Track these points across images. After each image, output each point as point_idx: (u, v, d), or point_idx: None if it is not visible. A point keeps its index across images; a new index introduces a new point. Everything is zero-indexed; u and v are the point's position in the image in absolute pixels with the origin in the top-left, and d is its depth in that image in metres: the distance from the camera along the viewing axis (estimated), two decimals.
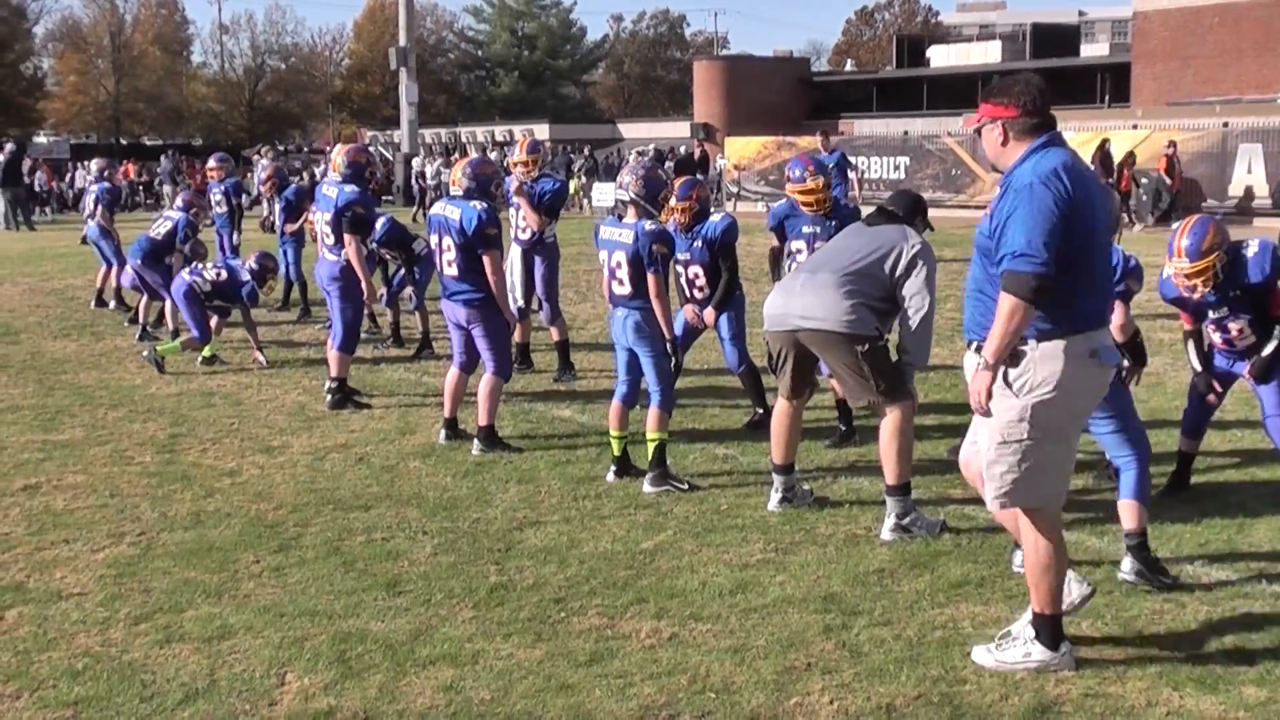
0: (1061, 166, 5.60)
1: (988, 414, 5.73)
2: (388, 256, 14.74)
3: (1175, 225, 8.06)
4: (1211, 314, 8.06)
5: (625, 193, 8.90)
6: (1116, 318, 6.93)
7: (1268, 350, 7.94)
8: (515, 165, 12.54)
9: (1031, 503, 5.79)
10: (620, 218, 8.95)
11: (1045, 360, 5.61)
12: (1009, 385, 5.67)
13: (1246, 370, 8.10)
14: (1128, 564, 6.76)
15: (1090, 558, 7.25)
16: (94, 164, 20.62)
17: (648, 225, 8.70)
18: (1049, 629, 5.83)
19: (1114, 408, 6.94)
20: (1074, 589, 6.13)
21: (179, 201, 16.55)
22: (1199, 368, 8.36)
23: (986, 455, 5.86)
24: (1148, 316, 16.13)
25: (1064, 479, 5.87)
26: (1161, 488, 8.33)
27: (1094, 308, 5.73)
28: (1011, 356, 5.64)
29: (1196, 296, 7.86)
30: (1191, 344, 8.42)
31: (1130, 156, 32.38)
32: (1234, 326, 8.02)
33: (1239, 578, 6.92)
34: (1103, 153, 31.69)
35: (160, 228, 15.70)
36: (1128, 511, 6.86)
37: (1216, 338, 8.19)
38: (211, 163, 19.69)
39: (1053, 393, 5.61)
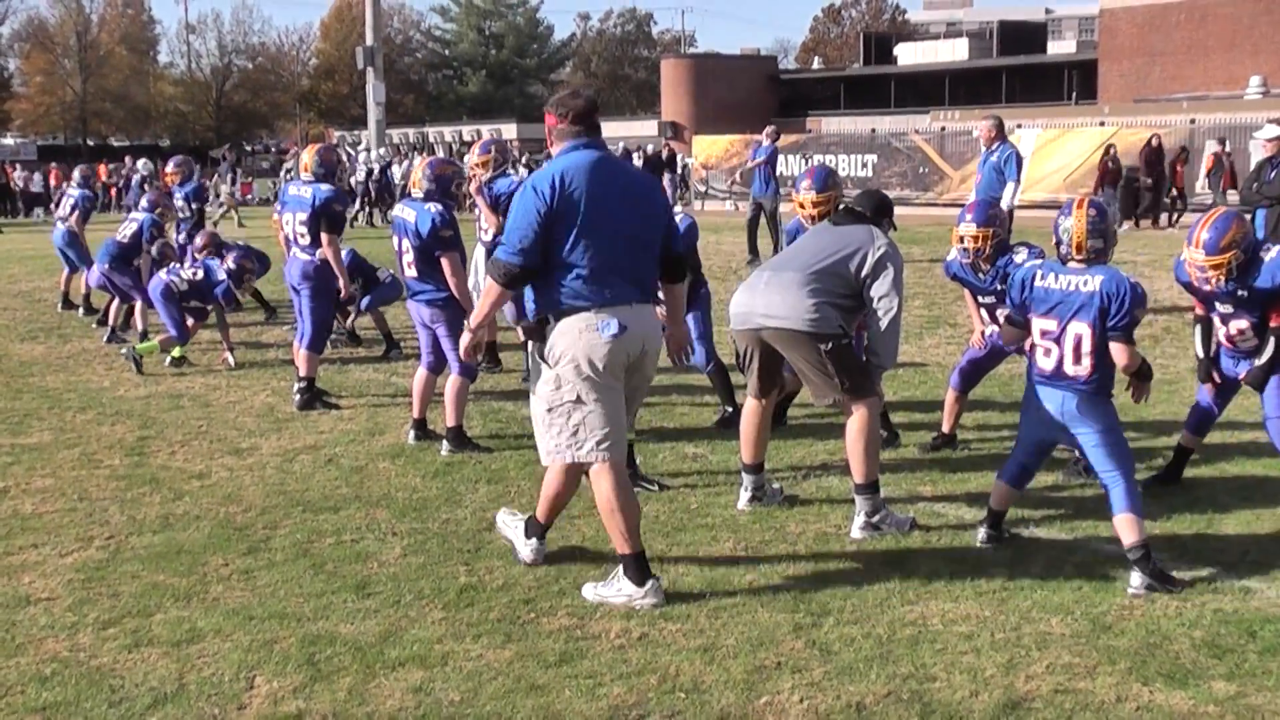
0: (565, 170, 6.56)
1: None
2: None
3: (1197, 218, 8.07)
4: (1218, 306, 8.07)
5: None
6: (1120, 357, 6.92)
7: (1262, 359, 7.97)
8: (474, 167, 12.45)
9: (584, 458, 6.73)
10: None
11: (560, 335, 6.62)
12: (544, 359, 6.69)
13: (1243, 376, 8.11)
14: (1136, 578, 6.71)
15: (1058, 553, 7.27)
16: (76, 170, 20.46)
17: None
18: (633, 566, 6.70)
19: (1098, 423, 6.95)
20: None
21: (144, 202, 16.41)
22: (1201, 354, 8.37)
23: (538, 422, 6.85)
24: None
25: (608, 436, 6.68)
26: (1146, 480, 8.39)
27: (597, 290, 6.56)
28: (539, 333, 6.70)
29: (1208, 288, 7.87)
30: (1199, 329, 8.43)
31: (1184, 152, 32.17)
32: (1235, 325, 8.02)
33: (1208, 573, 6.95)
34: (1150, 148, 31.51)
35: (126, 230, 15.64)
36: (1125, 526, 6.80)
37: (1222, 334, 8.20)
38: (169, 167, 19.33)
39: (572, 361, 6.59)
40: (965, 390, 9.69)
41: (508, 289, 6.76)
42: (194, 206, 18.24)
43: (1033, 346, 7.13)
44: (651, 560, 7.15)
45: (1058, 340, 6.95)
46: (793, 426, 10.25)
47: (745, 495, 8.34)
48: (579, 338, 6.58)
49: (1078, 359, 6.90)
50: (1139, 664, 5.83)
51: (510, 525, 7.46)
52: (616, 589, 6.75)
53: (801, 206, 9.60)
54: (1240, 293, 7.82)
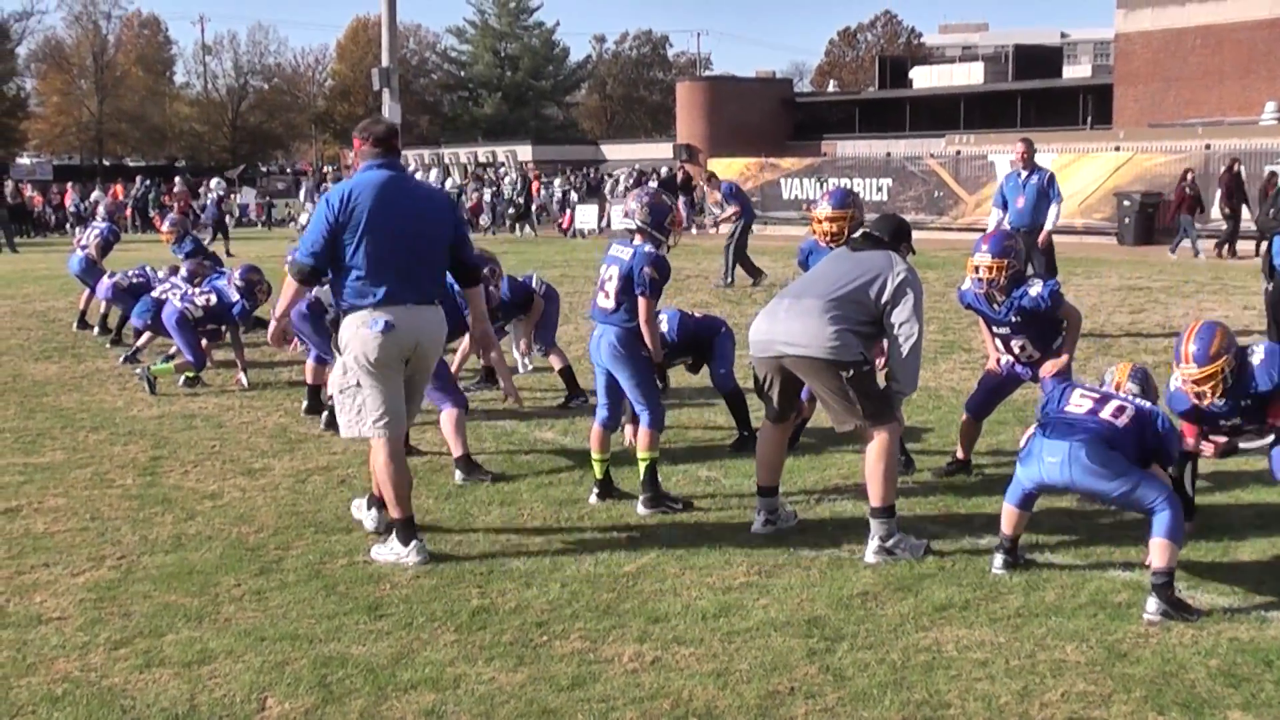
0: (354, 187, 7.72)
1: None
2: None
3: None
4: (1223, 423, 7.93)
5: (632, 220, 8.93)
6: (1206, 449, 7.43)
7: (1263, 442, 7.94)
8: None
9: (368, 433, 7.81)
10: (631, 242, 8.97)
11: (345, 329, 7.75)
12: (337, 348, 7.87)
13: (1243, 445, 8.09)
14: (1152, 604, 6.66)
15: (1073, 579, 7.24)
16: (101, 205, 20.87)
17: (647, 248, 8.73)
18: (402, 529, 7.83)
19: (1113, 471, 6.91)
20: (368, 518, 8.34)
21: (183, 270, 16.43)
22: (1190, 492, 8.31)
23: (335, 401, 8.02)
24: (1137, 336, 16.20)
25: (384, 415, 7.75)
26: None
27: (373, 291, 7.63)
28: (335, 325, 7.99)
29: (1205, 404, 7.70)
30: (1188, 469, 8.28)
31: (1274, 177, 30.84)
32: (1244, 442, 7.98)
33: (1224, 601, 6.91)
34: (1230, 174, 30.79)
35: (170, 294, 15.75)
36: (1157, 549, 6.73)
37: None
38: (165, 227, 19.72)
39: (353, 352, 7.67)
40: (980, 417, 9.66)
41: (303, 285, 7.90)
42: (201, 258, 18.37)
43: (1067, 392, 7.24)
44: (664, 584, 7.17)
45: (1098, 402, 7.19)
46: (806, 450, 10.22)
47: (760, 519, 8.32)
48: (357, 332, 7.66)
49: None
50: (1154, 693, 5.79)
51: (387, 546, 7.96)
52: (390, 549, 7.86)
53: (818, 222, 9.61)
54: (1244, 401, 7.76)
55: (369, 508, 8.53)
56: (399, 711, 5.70)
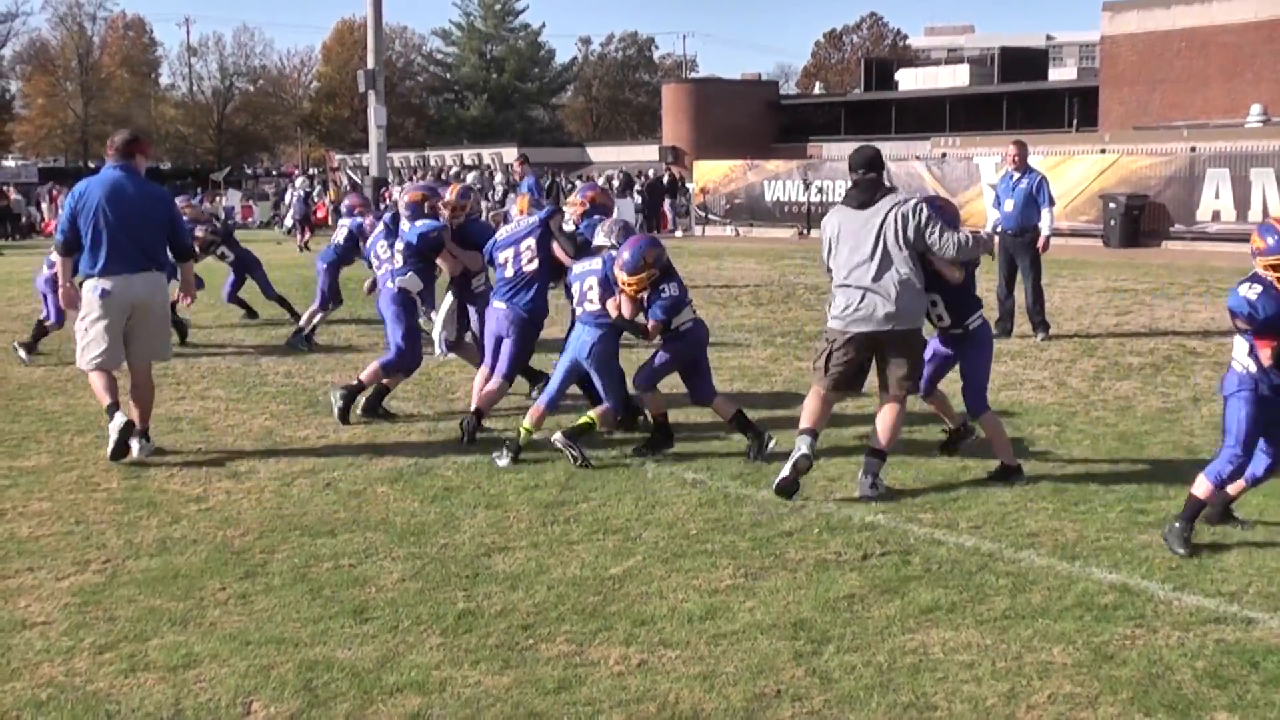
0: (90, 182, 10.42)
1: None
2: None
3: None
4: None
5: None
6: None
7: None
8: (444, 207, 12.30)
9: (82, 365, 10.53)
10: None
11: (83, 289, 10.33)
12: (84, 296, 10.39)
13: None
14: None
15: (1060, 581, 7.24)
16: None
17: None
18: (109, 410, 10.43)
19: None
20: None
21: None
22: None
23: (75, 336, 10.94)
24: (1101, 335, 16.25)
25: (100, 357, 10.36)
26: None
27: (98, 262, 10.22)
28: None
29: None
30: None
31: None
32: None
33: (1210, 603, 6.91)
34: None
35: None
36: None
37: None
38: None
39: (85, 305, 10.33)
40: (931, 391, 9.66)
41: (65, 256, 10.34)
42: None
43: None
44: (650, 587, 7.16)
45: None
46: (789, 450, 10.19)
47: (800, 452, 8.90)
48: (88, 293, 10.29)
49: None
50: (1141, 694, 5.79)
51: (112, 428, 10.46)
52: (110, 423, 10.40)
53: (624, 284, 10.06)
54: None
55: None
56: (384, 715, 5.68)
